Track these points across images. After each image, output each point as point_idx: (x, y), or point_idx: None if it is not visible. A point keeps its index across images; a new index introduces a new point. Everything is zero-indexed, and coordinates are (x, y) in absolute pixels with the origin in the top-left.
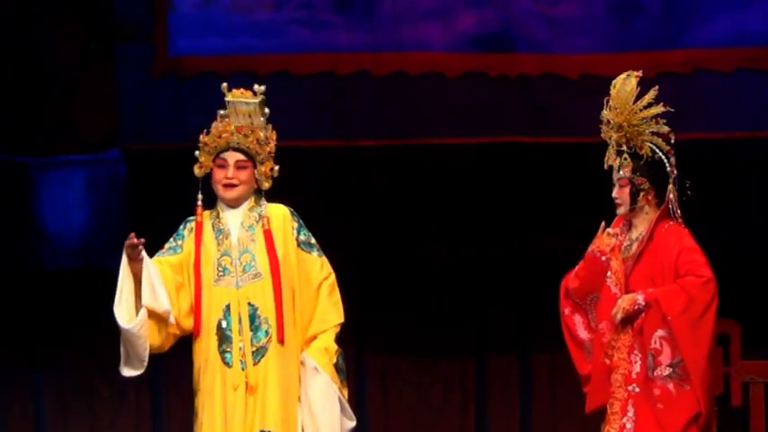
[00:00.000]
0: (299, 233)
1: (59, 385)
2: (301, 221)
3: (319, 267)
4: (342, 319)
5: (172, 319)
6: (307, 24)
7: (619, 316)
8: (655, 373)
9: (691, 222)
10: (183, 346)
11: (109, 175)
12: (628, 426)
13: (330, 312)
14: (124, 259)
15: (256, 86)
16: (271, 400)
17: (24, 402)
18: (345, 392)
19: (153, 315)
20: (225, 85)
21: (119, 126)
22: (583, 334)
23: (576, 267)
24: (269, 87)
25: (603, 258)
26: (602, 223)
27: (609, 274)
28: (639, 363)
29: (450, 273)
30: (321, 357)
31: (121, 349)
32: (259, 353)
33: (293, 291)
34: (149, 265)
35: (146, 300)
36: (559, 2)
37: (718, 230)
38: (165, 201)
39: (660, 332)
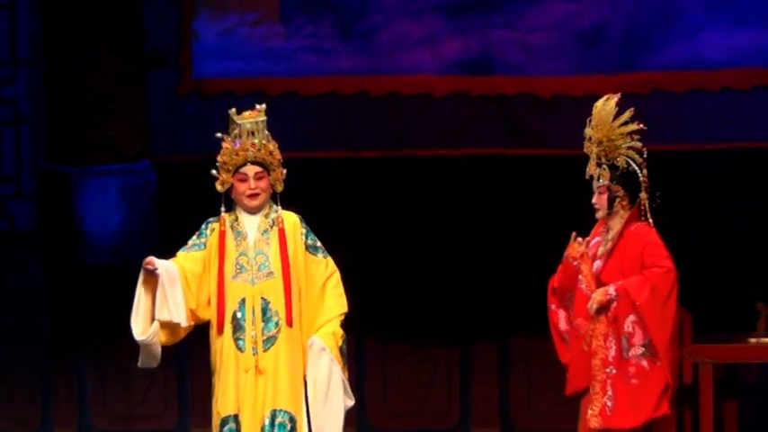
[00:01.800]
0: (306, 238)
1: (99, 367)
2: (308, 228)
3: (324, 267)
4: (345, 309)
5: (183, 323)
6: (313, 51)
7: (594, 307)
8: (629, 354)
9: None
10: (202, 338)
11: (141, 183)
12: (608, 404)
13: (335, 303)
14: (141, 277)
15: (257, 105)
16: (281, 382)
17: (69, 383)
18: (346, 374)
19: (165, 323)
20: (233, 110)
21: (149, 140)
22: (563, 326)
23: (559, 267)
24: (280, 106)
25: (575, 263)
26: (574, 233)
27: (580, 277)
28: (614, 347)
29: (439, 269)
30: (329, 340)
31: (140, 353)
32: (269, 341)
33: (300, 287)
34: (165, 280)
35: (158, 314)
36: (533, 31)
37: (675, 232)
38: (189, 205)
39: (631, 317)
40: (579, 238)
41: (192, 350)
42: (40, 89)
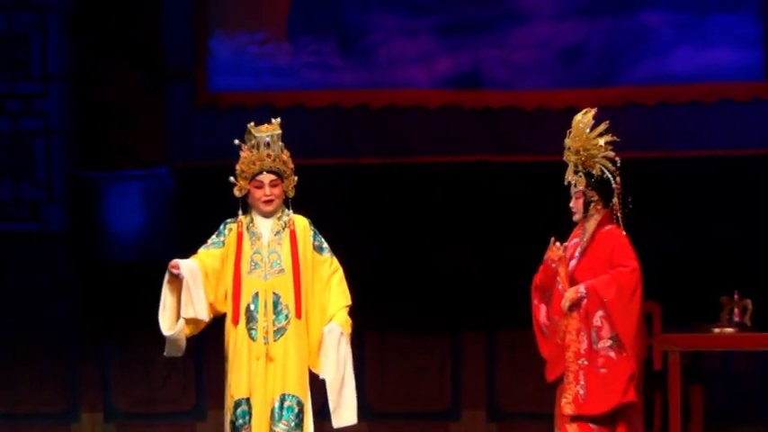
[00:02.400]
0: (314, 239)
1: (122, 354)
2: (316, 230)
3: (329, 265)
4: (349, 302)
5: (206, 319)
6: (317, 67)
7: (566, 304)
8: (598, 345)
9: (623, 222)
10: (218, 329)
11: (160, 187)
12: (581, 392)
13: (340, 297)
14: (166, 277)
15: (273, 120)
16: (290, 369)
17: (94, 369)
18: None
19: (189, 319)
20: (251, 124)
21: (168, 148)
22: (543, 320)
23: (540, 267)
24: (287, 117)
25: (554, 265)
26: (552, 238)
27: (558, 278)
28: (586, 341)
29: (432, 266)
30: (346, 327)
31: (166, 345)
32: (279, 332)
33: (308, 284)
34: (190, 281)
35: (184, 312)
36: (518, 49)
37: (647, 233)
38: (203, 207)
39: (600, 313)
40: (557, 243)
41: (208, 341)
42: (70, 103)
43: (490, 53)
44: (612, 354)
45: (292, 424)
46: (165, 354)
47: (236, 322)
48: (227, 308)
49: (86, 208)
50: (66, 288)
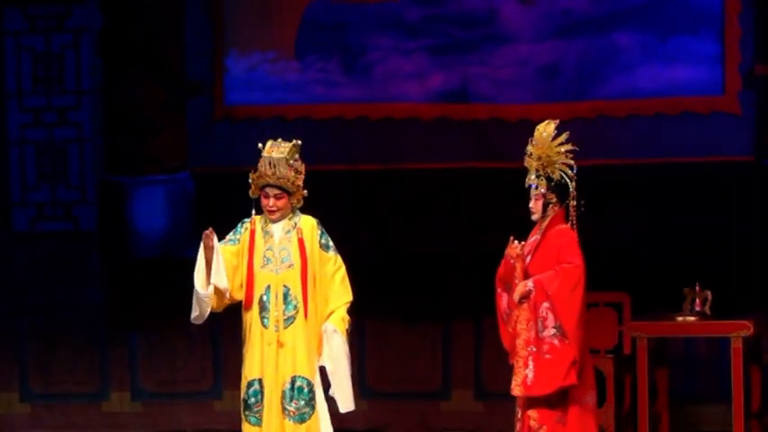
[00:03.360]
0: (321, 238)
1: (147, 340)
2: (323, 229)
3: (333, 262)
4: (351, 298)
5: (227, 294)
6: (323, 83)
7: (517, 297)
8: (543, 334)
9: (594, 225)
10: (234, 312)
11: (181, 191)
12: (529, 375)
13: (343, 293)
14: (201, 245)
15: (284, 143)
16: (299, 353)
17: (122, 353)
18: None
19: (216, 289)
20: (261, 145)
21: (188, 155)
22: (504, 308)
23: (502, 260)
24: (295, 128)
25: (512, 261)
26: (511, 237)
27: (515, 273)
28: (534, 330)
29: (425, 261)
30: (339, 324)
31: (193, 306)
32: (289, 320)
33: (315, 278)
34: (218, 253)
35: (213, 278)
36: (502, 67)
37: (618, 232)
38: (221, 208)
39: (545, 304)
40: (516, 241)
41: (224, 327)
42: (100, 114)
43: (477, 70)
44: (556, 341)
45: (302, 403)
46: (192, 318)
47: (247, 307)
48: (242, 297)
49: (115, 209)
50: (96, 281)
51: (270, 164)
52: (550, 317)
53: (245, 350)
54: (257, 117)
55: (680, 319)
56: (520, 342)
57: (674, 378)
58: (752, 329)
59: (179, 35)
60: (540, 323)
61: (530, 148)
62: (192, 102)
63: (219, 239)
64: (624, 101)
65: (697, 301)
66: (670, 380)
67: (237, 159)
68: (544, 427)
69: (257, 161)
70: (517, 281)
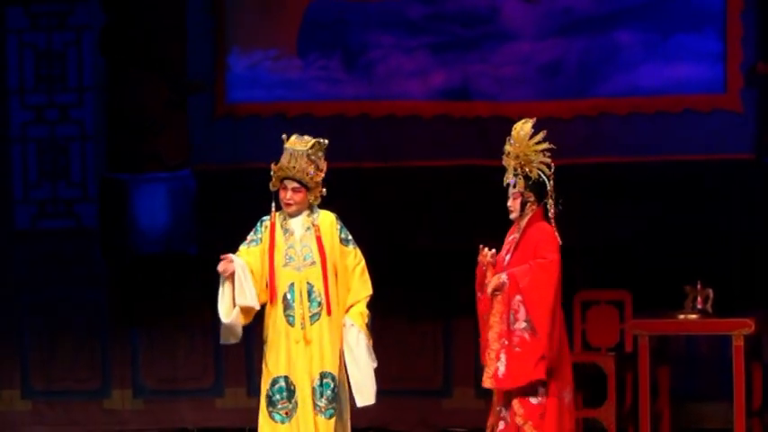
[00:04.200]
0: (340, 233)
1: (149, 337)
2: (342, 224)
3: (353, 256)
4: (370, 292)
5: (257, 307)
6: (324, 80)
7: (490, 289)
8: (515, 326)
9: (596, 223)
10: None
11: (183, 188)
12: (501, 368)
13: (362, 288)
14: (222, 280)
15: (306, 137)
16: (326, 349)
17: (124, 350)
18: (371, 342)
19: (243, 308)
20: (285, 135)
21: (190, 153)
22: (483, 312)
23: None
24: (296, 126)
25: (483, 268)
26: (480, 246)
27: (486, 281)
28: (506, 323)
29: (427, 259)
30: (357, 319)
31: (222, 330)
32: (314, 317)
33: (336, 273)
34: (241, 273)
35: (239, 300)
36: (503, 65)
37: (617, 229)
38: (222, 205)
39: (517, 297)
40: (486, 249)
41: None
42: (102, 112)
43: (478, 68)
44: (526, 335)
45: (330, 397)
46: (221, 341)
47: (272, 302)
48: (266, 297)
49: (116, 206)
50: (98, 278)
51: (291, 156)
52: (522, 310)
53: (266, 347)
54: (259, 115)
55: (681, 316)
56: (493, 335)
57: (675, 376)
58: (753, 327)
59: (181, 33)
60: (512, 315)
61: (507, 147)
62: (194, 99)
63: (220, 237)
64: (625, 99)
65: (698, 298)
66: (671, 378)
67: (239, 157)
68: (529, 422)
69: (259, 158)
70: (489, 289)
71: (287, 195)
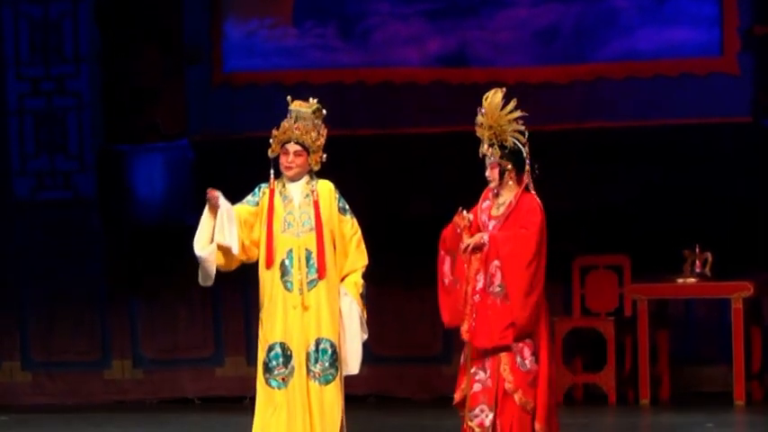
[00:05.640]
0: (338, 201)
1: (148, 308)
2: (340, 193)
3: (350, 226)
4: (366, 262)
5: (235, 251)
6: (320, 48)
7: (471, 246)
8: (490, 290)
9: (594, 188)
10: (236, 279)
11: (181, 158)
12: (473, 324)
13: (358, 258)
14: (207, 206)
15: (311, 99)
16: (323, 315)
17: (123, 321)
18: (365, 314)
19: (221, 247)
20: (289, 97)
21: (188, 122)
22: (446, 271)
23: (448, 226)
24: (293, 94)
25: (458, 230)
26: (460, 208)
27: (461, 244)
28: (482, 281)
29: (424, 225)
30: (351, 288)
31: (199, 269)
32: (312, 283)
33: (334, 241)
34: (224, 212)
35: (217, 237)
36: (500, 31)
37: (614, 194)
38: (220, 175)
39: (496, 262)
40: (464, 212)
41: (224, 294)
42: (99, 82)
43: (475, 34)
44: (498, 300)
45: (326, 364)
46: (199, 281)
47: (268, 266)
48: (260, 256)
49: (114, 177)
50: (97, 249)
51: (296, 118)
52: (498, 275)
53: (263, 314)
54: (256, 83)
55: (680, 280)
56: (468, 289)
57: (674, 340)
58: (752, 290)
59: (177, 2)
60: (488, 278)
61: (480, 119)
62: (191, 69)
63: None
64: (623, 63)
65: (697, 262)
66: (670, 341)
67: (237, 126)
68: (519, 390)
69: (256, 127)
70: (462, 253)
71: (288, 159)
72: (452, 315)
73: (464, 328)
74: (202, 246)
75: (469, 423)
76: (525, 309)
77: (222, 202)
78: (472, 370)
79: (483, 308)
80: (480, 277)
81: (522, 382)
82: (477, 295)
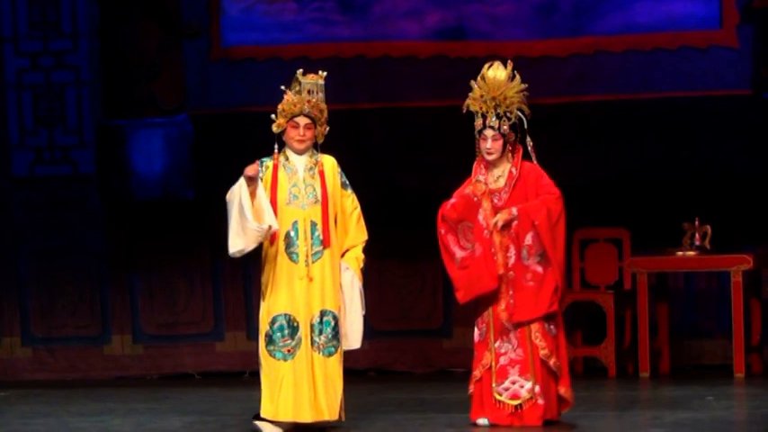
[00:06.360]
0: (340, 176)
1: (148, 283)
2: (341, 168)
3: (351, 201)
4: (366, 237)
5: (276, 226)
6: (319, 22)
7: (500, 223)
8: (528, 261)
9: (594, 160)
10: (234, 259)
11: (179, 133)
12: (511, 301)
13: (359, 233)
14: (243, 183)
15: (320, 72)
16: (327, 287)
17: (123, 296)
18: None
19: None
20: (300, 70)
21: (186, 97)
22: (455, 248)
23: (453, 202)
24: (292, 68)
25: (476, 199)
26: (471, 177)
27: (480, 210)
28: (514, 256)
29: (424, 199)
30: (352, 263)
31: (236, 239)
32: (316, 255)
33: (336, 214)
34: (262, 194)
35: (268, 219)
36: (499, 3)
37: (615, 167)
38: (219, 149)
39: (531, 233)
40: (480, 177)
41: (224, 268)
42: (97, 57)
43: (474, 8)
44: (540, 268)
45: (330, 336)
46: (232, 253)
47: (272, 244)
48: None
49: (113, 152)
50: (96, 224)
51: (309, 91)
52: (536, 245)
53: (265, 286)
54: (254, 58)
55: (680, 253)
56: (499, 268)
57: (674, 313)
58: (752, 263)
59: None
60: (524, 251)
61: (479, 91)
62: (189, 44)
63: (217, 182)
64: (621, 36)
65: (696, 235)
66: (670, 315)
67: (235, 100)
68: (553, 355)
69: (255, 101)
70: (481, 217)
71: (299, 132)
72: (468, 289)
73: (501, 306)
74: (256, 217)
75: (498, 397)
76: (562, 269)
77: (260, 187)
78: (496, 344)
79: (522, 281)
80: (512, 253)
81: (553, 347)
82: (512, 272)
